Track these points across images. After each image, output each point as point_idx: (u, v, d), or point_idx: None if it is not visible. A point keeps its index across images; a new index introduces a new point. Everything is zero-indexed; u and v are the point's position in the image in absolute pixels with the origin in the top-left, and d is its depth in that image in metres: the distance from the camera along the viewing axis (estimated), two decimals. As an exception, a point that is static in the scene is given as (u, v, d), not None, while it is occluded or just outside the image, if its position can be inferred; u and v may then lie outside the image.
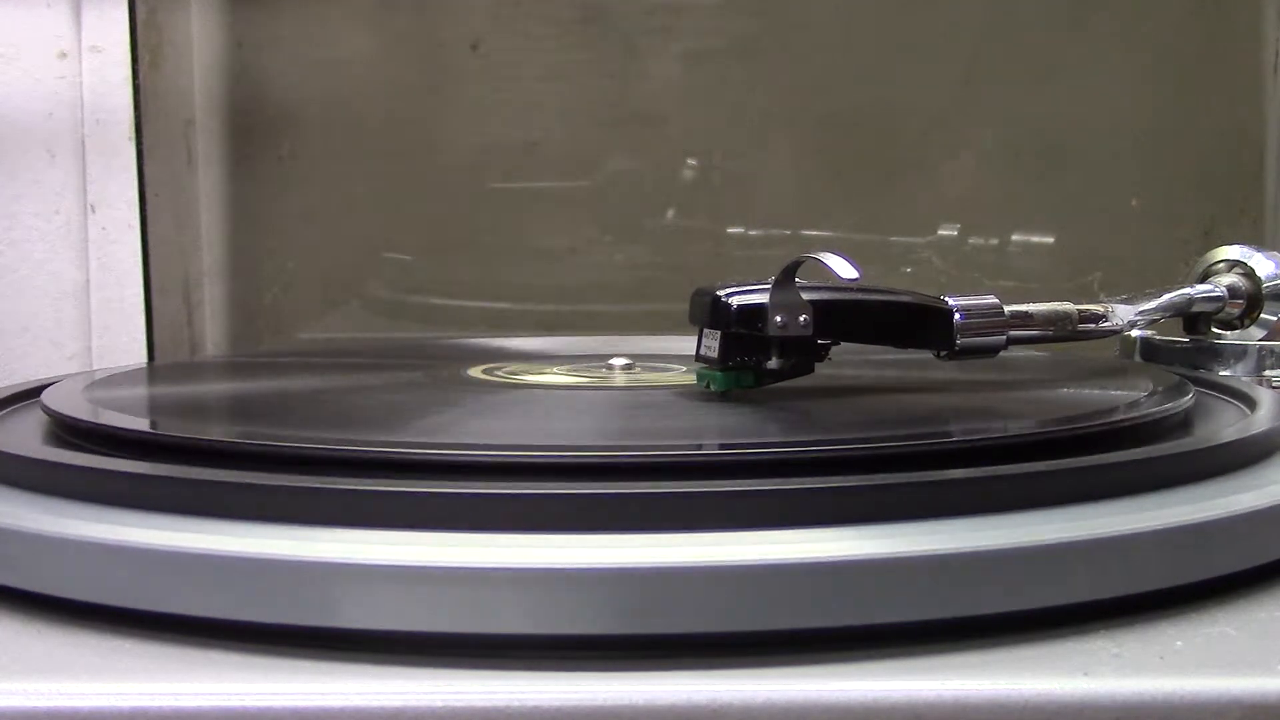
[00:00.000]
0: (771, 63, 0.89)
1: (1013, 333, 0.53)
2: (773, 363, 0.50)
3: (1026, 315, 0.54)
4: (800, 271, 0.49)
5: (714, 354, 0.49)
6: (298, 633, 0.34)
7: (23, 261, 0.81)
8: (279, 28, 0.89)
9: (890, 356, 0.56)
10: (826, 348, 0.51)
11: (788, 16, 0.89)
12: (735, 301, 0.49)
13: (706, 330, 0.50)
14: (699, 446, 0.45)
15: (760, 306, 0.48)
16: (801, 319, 0.49)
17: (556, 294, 0.89)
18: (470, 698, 0.32)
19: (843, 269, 0.47)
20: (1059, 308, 0.55)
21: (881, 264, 0.88)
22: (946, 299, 0.51)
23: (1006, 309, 0.53)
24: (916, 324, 0.52)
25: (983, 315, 0.52)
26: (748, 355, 0.50)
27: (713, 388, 0.50)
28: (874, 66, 0.90)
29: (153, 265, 0.81)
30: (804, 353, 0.50)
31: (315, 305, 0.90)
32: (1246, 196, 0.89)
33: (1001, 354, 0.53)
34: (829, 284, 0.49)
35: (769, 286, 0.48)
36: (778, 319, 0.48)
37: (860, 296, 0.51)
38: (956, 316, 0.51)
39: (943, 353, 0.52)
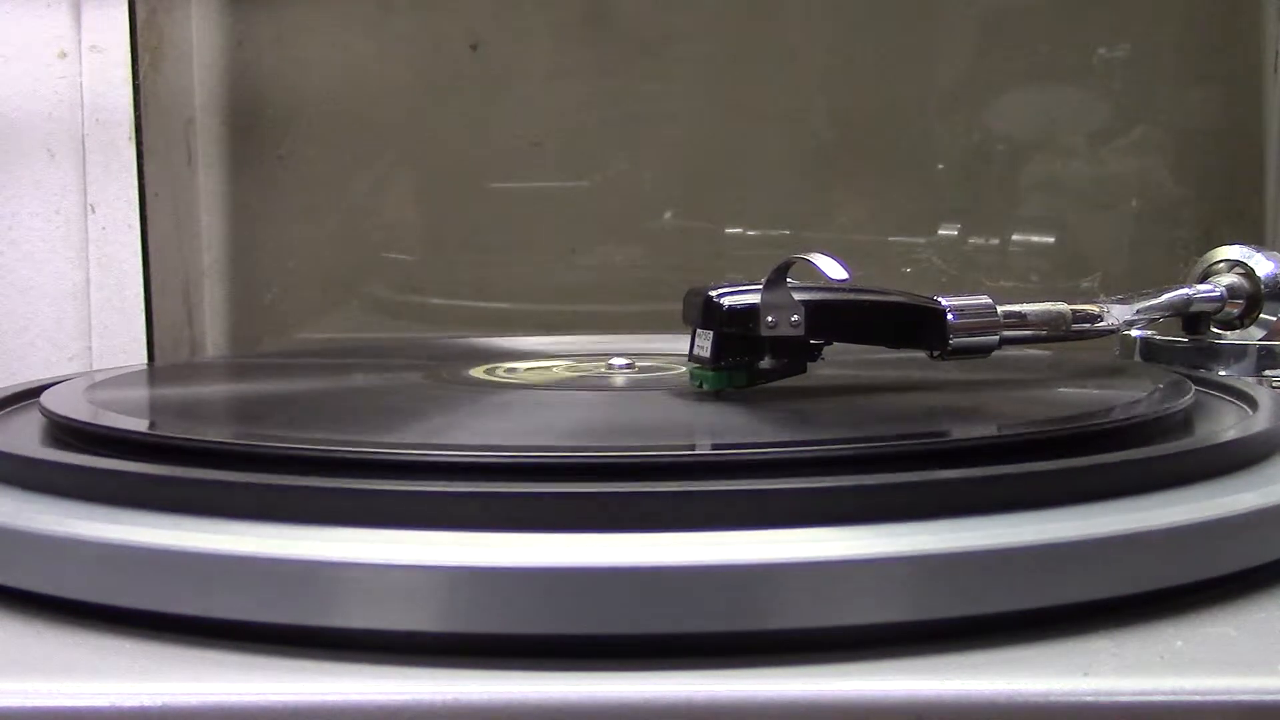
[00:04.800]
0: (771, 63, 0.89)
1: (1006, 333, 0.53)
2: (765, 362, 0.50)
3: (1020, 315, 0.54)
4: (795, 272, 0.49)
5: (707, 354, 0.49)
6: (298, 633, 0.34)
7: (23, 261, 0.81)
8: (279, 27, 0.89)
9: (887, 356, 0.56)
10: (819, 347, 0.51)
11: (788, 16, 0.89)
12: (727, 302, 0.49)
13: (699, 330, 0.50)
14: (691, 446, 0.45)
15: (752, 307, 0.48)
16: (793, 319, 0.49)
17: (556, 294, 0.89)
18: (470, 698, 0.32)
19: (832, 270, 0.47)
20: (1053, 308, 0.55)
21: (881, 264, 0.88)
22: (939, 299, 0.51)
23: (1000, 309, 0.53)
24: (909, 324, 0.52)
25: (975, 315, 0.52)
26: (740, 355, 0.50)
27: (705, 387, 0.50)
28: (873, 67, 0.90)
29: (153, 265, 0.81)
30: (796, 353, 0.50)
31: (315, 305, 0.90)
32: (1246, 196, 0.89)
33: (1001, 353, 0.53)
34: (821, 284, 0.49)
35: (761, 287, 0.49)
36: (769, 319, 0.48)
37: (852, 297, 0.51)
38: (949, 317, 0.51)
39: (936, 353, 0.52)
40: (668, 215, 0.90)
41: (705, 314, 0.49)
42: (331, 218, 0.90)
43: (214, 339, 0.90)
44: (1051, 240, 0.89)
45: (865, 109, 0.90)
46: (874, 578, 0.34)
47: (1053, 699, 0.32)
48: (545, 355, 0.65)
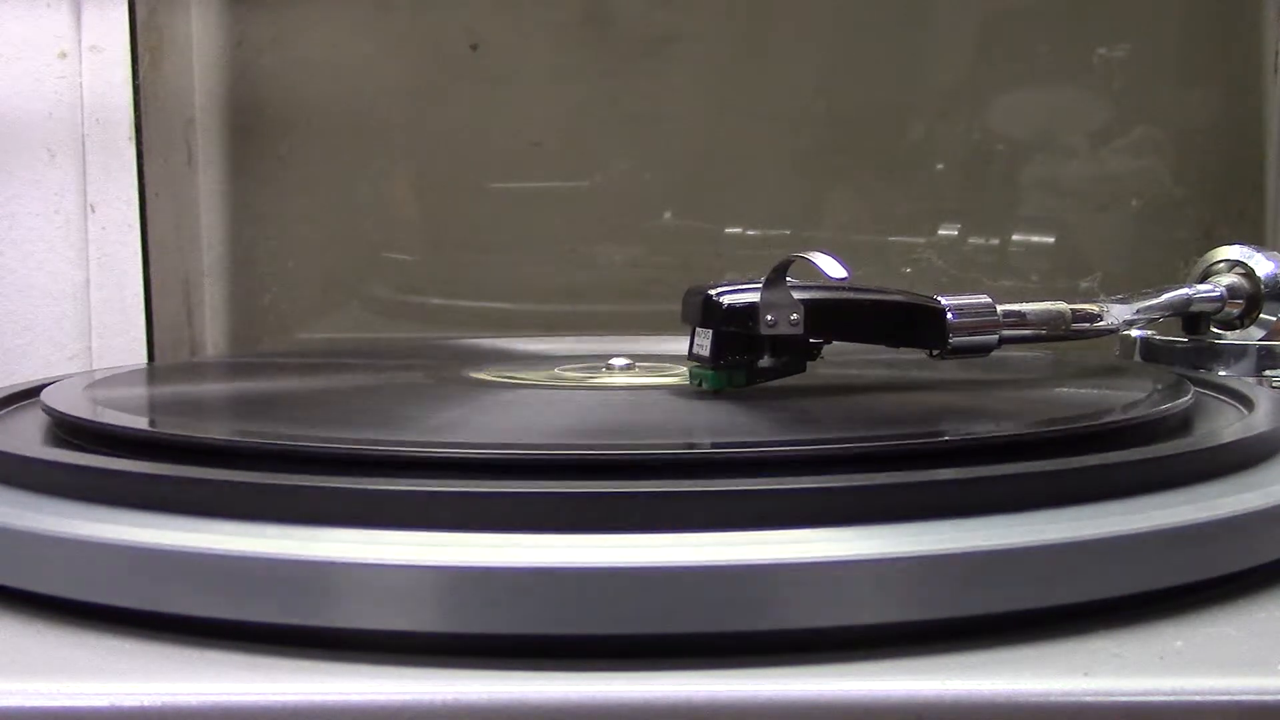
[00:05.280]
0: (771, 63, 0.89)
1: (1006, 332, 0.53)
2: (764, 361, 0.50)
3: (1019, 315, 0.54)
4: (794, 271, 0.49)
5: (706, 353, 0.49)
6: (298, 633, 0.34)
7: (23, 261, 0.81)
8: (279, 28, 0.89)
9: (887, 355, 0.56)
10: (818, 346, 0.51)
11: (788, 17, 0.89)
12: (726, 300, 0.49)
13: (699, 329, 0.50)
14: (691, 446, 0.45)
15: (751, 305, 0.48)
16: (792, 318, 0.49)
17: (556, 294, 0.89)
18: (470, 698, 0.32)
19: (831, 268, 0.47)
20: (1052, 307, 0.55)
21: (881, 264, 0.88)
22: (939, 298, 0.51)
23: (999, 308, 0.53)
24: (909, 323, 0.52)
25: (975, 314, 0.52)
26: (740, 354, 0.50)
27: (705, 386, 0.50)
28: (873, 67, 0.90)
29: (153, 265, 0.81)
30: (796, 351, 0.50)
31: (315, 305, 0.90)
32: (1246, 197, 0.89)
33: (1001, 354, 0.53)
34: (821, 283, 0.49)
35: (760, 286, 0.49)
36: (768, 318, 0.48)
37: (851, 295, 0.51)
38: (948, 316, 0.51)
39: (935, 352, 0.52)
40: (667, 215, 0.90)
41: (704, 313, 0.49)
42: (331, 218, 0.90)
43: (214, 339, 0.90)
44: (1051, 240, 0.89)
45: (865, 109, 0.90)
46: (874, 578, 0.34)
47: (1053, 699, 0.32)
48: (545, 355, 0.65)
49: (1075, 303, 0.56)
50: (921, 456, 0.40)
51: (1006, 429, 0.45)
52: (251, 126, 0.89)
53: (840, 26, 0.90)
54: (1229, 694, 0.32)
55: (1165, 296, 0.62)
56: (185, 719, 0.32)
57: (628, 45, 0.89)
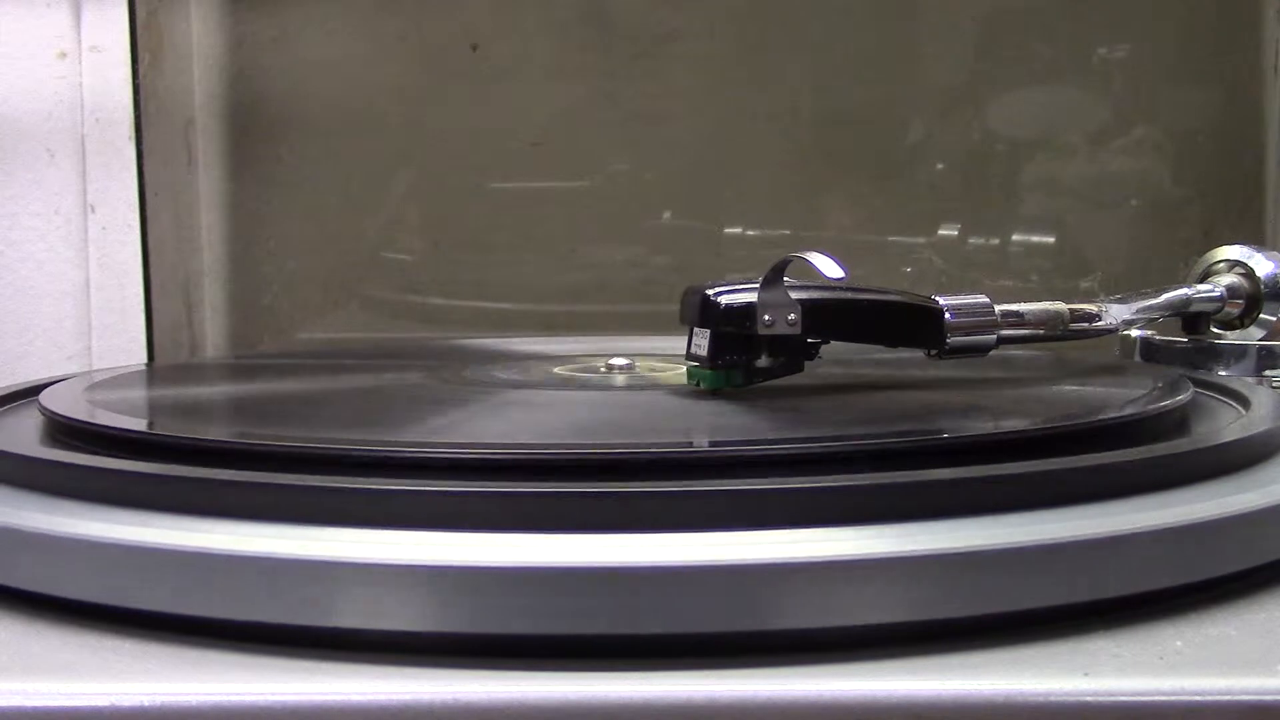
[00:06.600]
0: (771, 63, 0.89)
1: (1004, 332, 0.53)
2: (762, 361, 0.50)
3: (1018, 315, 0.54)
4: (793, 271, 0.49)
5: (704, 353, 0.50)
6: (298, 633, 0.34)
7: (23, 261, 0.81)
8: (279, 28, 0.89)
9: (885, 355, 0.56)
10: (816, 346, 0.51)
11: (787, 17, 0.89)
12: (724, 300, 0.49)
13: (697, 329, 0.50)
14: (689, 445, 0.45)
15: (748, 305, 0.48)
16: (789, 318, 0.49)
17: (556, 294, 0.89)
18: (470, 698, 0.32)
19: (829, 268, 0.47)
20: (1050, 307, 0.55)
21: (881, 264, 0.88)
22: (937, 298, 0.51)
23: (997, 308, 0.53)
24: (906, 323, 0.52)
25: (973, 314, 0.52)
26: (737, 354, 0.50)
27: (703, 386, 0.50)
28: (873, 67, 0.90)
29: (153, 265, 0.81)
30: (793, 351, 0.50)
31: (315, 305, 0.90)
32: (1246, 197, 0.89)
33: (1000, 353, 0.53)
34: (819, 283, 0.49)
35: (757, 286, 0.49)
36: (766, 318, 0.48)
37: (849, 295, 0.51)
38: (947, 316, 0.51)
39: (933, 352, 0.52)
40: (667, 215, 0.90)
41: (702, 313, 0.49)
42: (331, 218, 0.90)
43: (214, 339, 0.90)
44: (1051, 240, 0.89)
45: (865, 108, 0.90)
46: (874, 578, 0.34)
47: (1053, 699, 0.32)
48: (545, 355, 0.65)
49: (1074, 303, 0.57)
50: (920, 456, 0.40)
51: (1005, 428, 0.45)
52: (251, 126, 0.89)
53: (840, 26, 0.90)
54: (1229, 694, 0.32)
55: (1165, 296, 0.62)
56: (185, 719, 0.32)
57: (628, 45, 0.89)
